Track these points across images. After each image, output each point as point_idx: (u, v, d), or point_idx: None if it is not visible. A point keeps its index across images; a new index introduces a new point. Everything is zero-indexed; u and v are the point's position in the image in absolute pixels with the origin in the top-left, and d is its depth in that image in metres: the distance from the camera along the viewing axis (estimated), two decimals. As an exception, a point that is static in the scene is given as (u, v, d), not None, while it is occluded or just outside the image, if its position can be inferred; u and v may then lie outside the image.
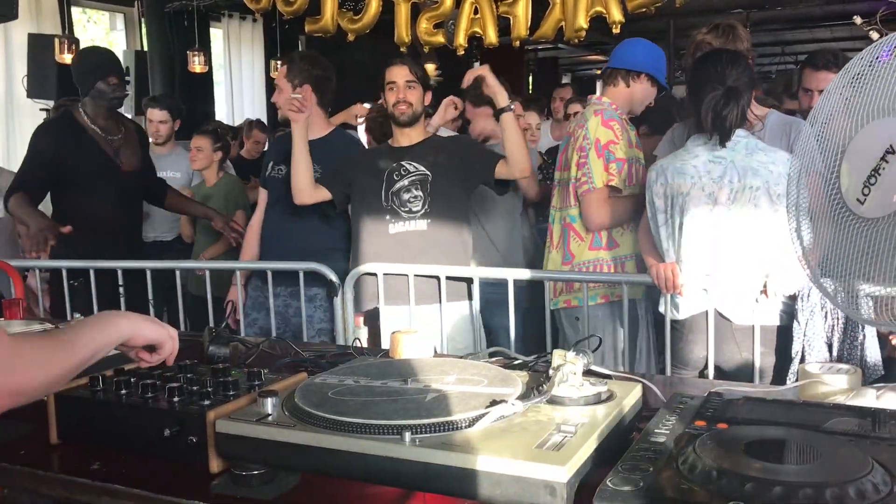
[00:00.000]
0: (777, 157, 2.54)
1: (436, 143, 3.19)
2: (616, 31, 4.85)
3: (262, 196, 3.55)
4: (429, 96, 3.17)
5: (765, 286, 2.54)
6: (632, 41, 3.26)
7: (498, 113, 2.98)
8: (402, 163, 3.10)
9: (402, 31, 5.41)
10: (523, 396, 1.34)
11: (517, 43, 5.13)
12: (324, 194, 3.16)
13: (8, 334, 1.04)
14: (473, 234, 3.25)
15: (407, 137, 3.14)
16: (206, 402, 1.37)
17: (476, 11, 5.16)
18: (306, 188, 3.12)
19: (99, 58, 3.87)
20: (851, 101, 1.41)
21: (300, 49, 9.92)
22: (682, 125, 3.06)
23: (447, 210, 3.07)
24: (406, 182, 3.08)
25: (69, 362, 1.14)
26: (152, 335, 1.35)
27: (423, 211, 3.06)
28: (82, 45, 6.60)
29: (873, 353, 2.40)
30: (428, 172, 3.07)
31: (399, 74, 3.08)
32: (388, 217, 3.08)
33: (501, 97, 2.96)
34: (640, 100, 3.20)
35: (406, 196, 3.06)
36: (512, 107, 2.99)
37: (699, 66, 2.65)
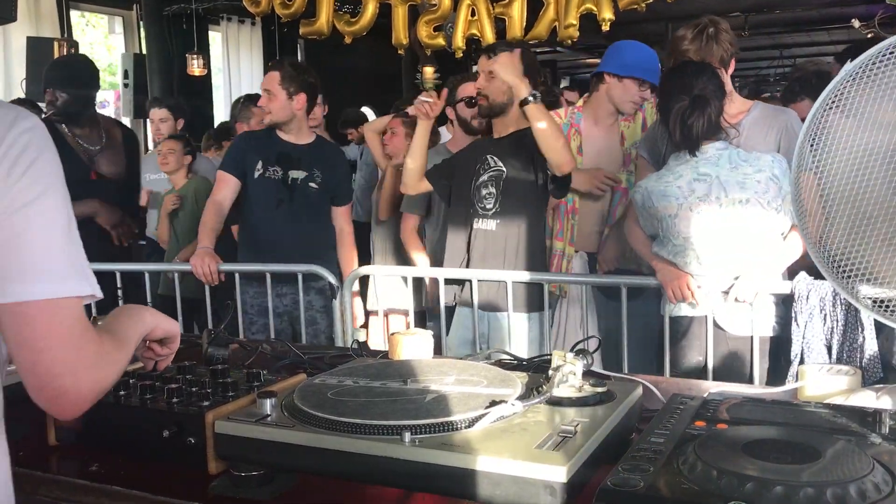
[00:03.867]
0: (762, 164, 2.50)
1: (519, 136, 2.90)
2: (606, 28, 4.84)
3: (231, 183, 3.39)
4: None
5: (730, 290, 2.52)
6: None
7: (522, 104, 2.72)
8: (487, 156, 2.96)
9: (400, 34, 5.42)
10: (523, 397, 1.34)
11: (514, 44, 5.13)
12: (426, 186, 3.11)
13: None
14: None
15: (497, 129, 2.98)
16: (205, 403, 1.36)
17: (473, 13, 5.16)
18: (416, 179, 3.07)
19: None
20: None
21: (299, 52, 9.96)
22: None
23: (517, 211, 2.88)
24: (486, 177, 2.94)
25: (126, 360, 1.12)
26: (168, 326, 1.34)
27: (493, 210, 2.90)
28: (81, 48, 6.60)
29: (872, 355, 2.39)
30: (503, 168, 2.90)
31: (481, 64, 2.95)
32: (471, 211, 2.96)
33: (523, 88, 2.71)
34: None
35: (484, 192, 2.93)
36: (536, 96, 2.70)
37: (665, 80, 2.65)
